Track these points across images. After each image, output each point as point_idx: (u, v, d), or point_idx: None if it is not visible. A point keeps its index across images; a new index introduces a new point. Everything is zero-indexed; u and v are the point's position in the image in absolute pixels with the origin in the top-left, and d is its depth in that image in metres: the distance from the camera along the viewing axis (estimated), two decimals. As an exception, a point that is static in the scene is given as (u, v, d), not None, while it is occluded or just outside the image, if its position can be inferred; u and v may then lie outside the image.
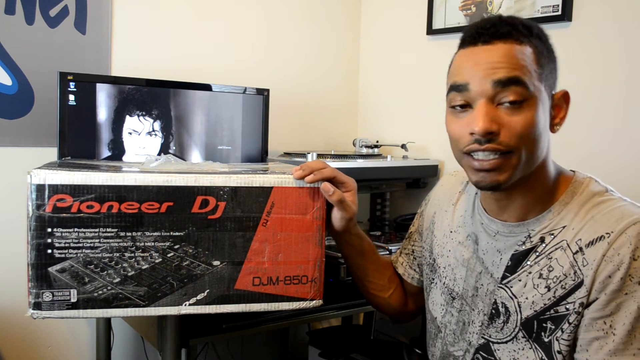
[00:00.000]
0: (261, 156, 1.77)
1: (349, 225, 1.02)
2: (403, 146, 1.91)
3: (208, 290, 0.94)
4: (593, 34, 1.54)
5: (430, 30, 1.95)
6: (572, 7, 1.57)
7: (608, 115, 1.52)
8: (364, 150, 1.94)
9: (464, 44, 0.88)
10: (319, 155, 1.71)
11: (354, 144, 2.02)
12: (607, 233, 0.82)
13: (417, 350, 1.62)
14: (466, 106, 0.85)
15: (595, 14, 1.54)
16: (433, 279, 1.08)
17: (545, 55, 0.86)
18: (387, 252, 1.56)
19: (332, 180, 0.98)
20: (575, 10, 1.57)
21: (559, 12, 1.58)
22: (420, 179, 1.90)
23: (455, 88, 0.86)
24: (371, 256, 1.12)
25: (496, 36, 0.83)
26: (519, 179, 0.87)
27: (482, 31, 0.84)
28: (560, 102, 0.90)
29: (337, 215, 1.00)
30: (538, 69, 0.84)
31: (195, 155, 1.67)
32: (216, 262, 0.94)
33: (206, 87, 1.67)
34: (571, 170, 0.94)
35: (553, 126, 0.89)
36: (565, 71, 1.64)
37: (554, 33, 1.75)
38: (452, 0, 1.88)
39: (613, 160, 1.51)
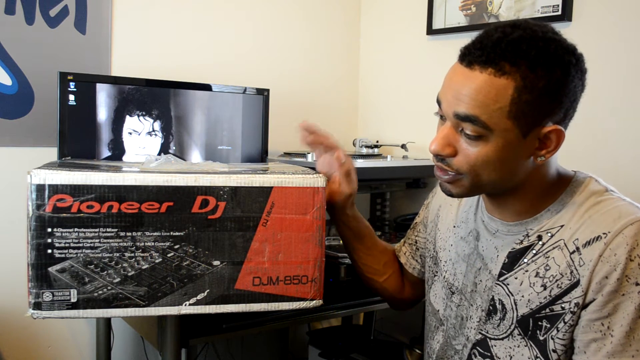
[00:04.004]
0: (261, 156, 1.77)
1: (346, 203, 1.07)
2: (403, 146, 1.91)
3: (208, 290, 0.94)
4: (593, 34, 1.54)
5: (430, 30, 1.95)
6: (572, 7, 1.57)
7: (608, 115, 1.52)
8: (364, 150, 1.94)
9: (459, 55, 0.86)
10: (319, 155, 1.70)
11: (354, 144, 2.01)
12: (604, 233, 0.82)
13: (417, 350, 1.63)
14: (444, 117, 0.88)
15: (595, 14, 1.54)
16: (436, 272, 1.08)
17: (537, 89, 0.79)
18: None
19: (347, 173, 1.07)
20: (575, 10, 1.57)
21: (559, 12, 1.58)
22: (420, 179, 1.89)
23: (437, 101, 0.90)
24: (368, 240, 1.15)
25: (479, 61, 0.81)
26: (508, 188, 0.89)
27: (472, 51, 0.82)
28: (552, 137, 0.84)
29: (337, 188, 1.05)
30: (511, 107, 0.79)
31: (195, 155, 1.67)
32: (216, 262, 0.94)
33: (206, 87, 1.67)
34: (572, 171, 0.94)
35: (536, 157, 0.85)
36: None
37: (554, 33, 1.73)
38: (452, 0, 1.88)
39: (613, 160, 1.51)
